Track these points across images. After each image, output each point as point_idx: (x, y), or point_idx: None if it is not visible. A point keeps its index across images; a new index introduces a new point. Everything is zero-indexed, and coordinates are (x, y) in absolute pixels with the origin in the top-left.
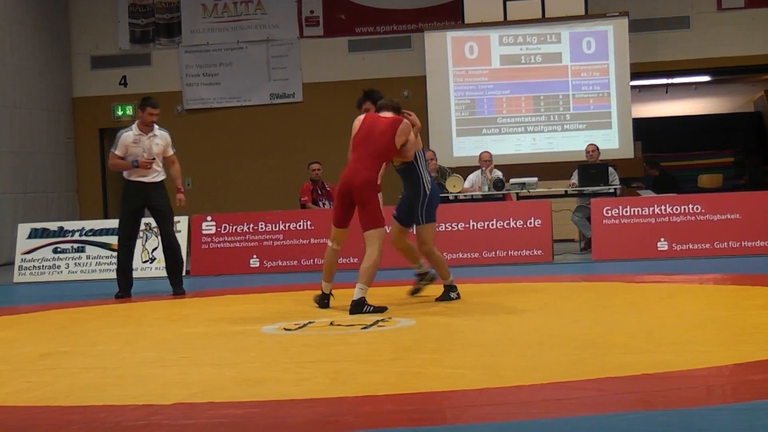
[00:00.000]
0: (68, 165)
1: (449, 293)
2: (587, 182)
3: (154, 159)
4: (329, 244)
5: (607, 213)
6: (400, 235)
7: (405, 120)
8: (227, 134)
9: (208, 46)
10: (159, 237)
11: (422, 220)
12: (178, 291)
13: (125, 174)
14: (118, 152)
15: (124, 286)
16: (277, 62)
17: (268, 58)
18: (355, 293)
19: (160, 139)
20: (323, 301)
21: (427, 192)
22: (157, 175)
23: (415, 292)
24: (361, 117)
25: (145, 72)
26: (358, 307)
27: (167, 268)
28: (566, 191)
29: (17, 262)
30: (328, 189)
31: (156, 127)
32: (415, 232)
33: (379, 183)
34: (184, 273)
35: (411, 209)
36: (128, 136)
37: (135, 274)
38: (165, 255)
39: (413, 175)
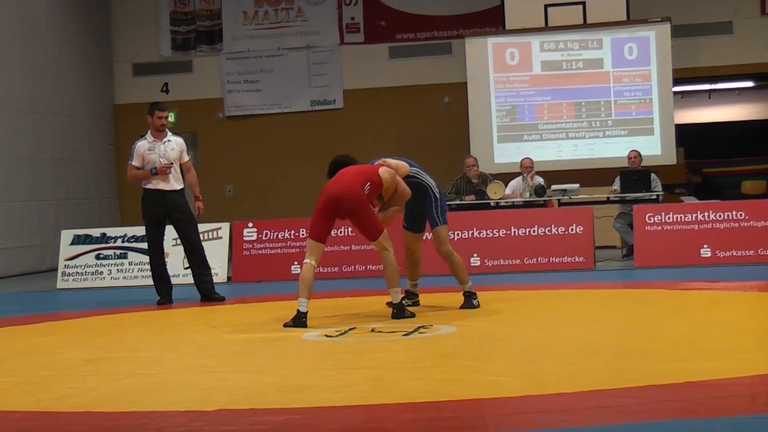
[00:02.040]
0: (110, 172)
1: (471, 300)
2: (629, 189)
3: (171, 164)
4: (309, 261)
5: (650, 219)
6: (414, 243)
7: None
8: (268, 141)
9: (249, 53)
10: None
11: (439, 221)
12: (215, 297)
13: (144, 184)
14: (135, 162)
15: (164, 293)
16: (317, 69)
17: (308, 65)
18: (393, 297)
19: (175, 144)
20: (302, 321)
21: (437, 194)
22: (176, 182)
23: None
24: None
25: (186, 79)
26: (401, 310)
27: (195, 276)
28: (608, 198)
29: (60, 269)
30: None
31: (169, 132)
32: (432, 236)
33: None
34: (225, 279)
35: (417, 215)
36: (143, 144)
37: (177, 281)
38: (191, 263)
39: (414, 185)
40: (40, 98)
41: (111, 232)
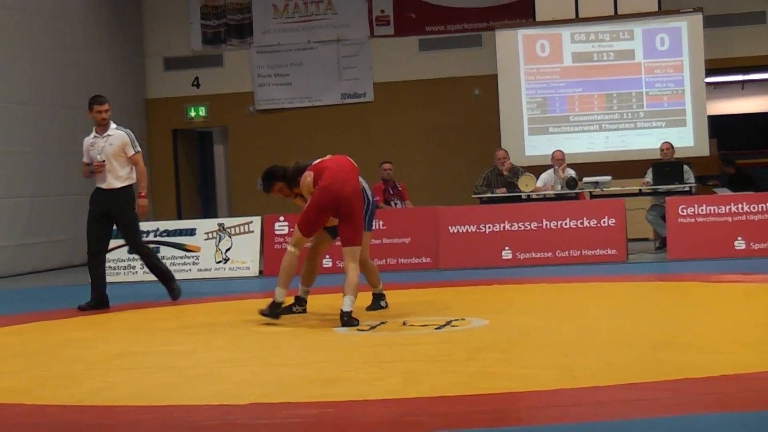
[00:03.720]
0: None
1: (379, 301)
2: (662, 180)
3: (104, 161)
4: (294, 251)
5: (683, 212)
6: (322, 245)
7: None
8: (298, 134)
9: (279, 46)
10: (231, 238)
11: (366, 227)
12: (174, 294)
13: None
14: (84, 159)
15: (93, 296)
16: (347, 62)
17: (338, 58)
18: (346, 305)
19: (115, 138)
20: (276, 312)
21: (371, 200)
22: (115, 180)
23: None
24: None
25: (217, 73)
26: (351, 319)
27: (159, 278)
28: (640, 190)
29: None
30: (400, 188)
31: (113, 126)
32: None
33: None
34: (257, 273)
35: None
36: (87, 140)
37: (208, 275)
38: (148, 267)
39: None
40: (72, 93)
41: (143, 226)
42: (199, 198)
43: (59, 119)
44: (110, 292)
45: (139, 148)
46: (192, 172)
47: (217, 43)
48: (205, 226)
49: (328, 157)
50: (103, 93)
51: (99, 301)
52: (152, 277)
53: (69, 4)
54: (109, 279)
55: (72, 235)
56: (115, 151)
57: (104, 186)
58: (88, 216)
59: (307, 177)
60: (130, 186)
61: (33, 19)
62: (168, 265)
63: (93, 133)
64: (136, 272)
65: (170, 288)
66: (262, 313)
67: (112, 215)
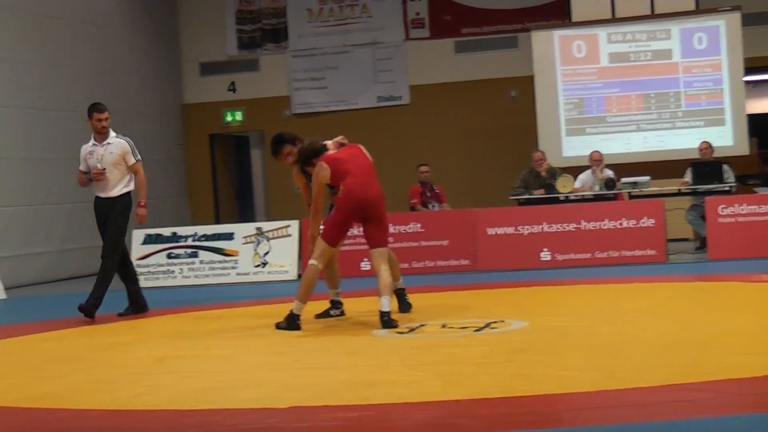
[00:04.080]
0: (179, 171)
1: (331, 310)
2: (701, 180)
3: (104, 169)
4: (317, 264)
5: (722, 211)
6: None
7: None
8: (335, 137)
9: (314, 50)
10: (269, 242)
11: None
12: (132, 309)
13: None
14: (81, 167)
15: (131, 302)
16: (383, 65)
17: (374, 61)
18: (384, 305)
19: (115, 147)
20: (296, 323)
21: None
22: (111, 189)
23: (323, 316)
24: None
25: (253, 77)
26: (391, 320)
27: (131, 299)
28: (679, 190)
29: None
30: (437, 191)
31: (113, 134)
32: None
33: None
34: (295, 276)
35: None
36: (85, 147)
37: (247, 279)
38: (122, 277)
39: None
40: (109, 99)
41: (182, 231)
42: (236, 202)
43: None
44: (150, 297)
45: (139, 157)
46: (229, 176)
47: (252, 48)
48: (243, 230)
49: (334, 143)
50: (141, 99)
51: (137, 305)
52: (192, 281)
53: (106, 12)
54: (148, 284)
55: None
56: (115, 160)
57: (103, 195)
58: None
59: (323, 170)
60: (128, 193)
61: (72, 27)
62: (206, 269)
63: (91, 141)
64: (175, 277)
65: (132, 304)
66: (279, 326)
67: (106, 220)
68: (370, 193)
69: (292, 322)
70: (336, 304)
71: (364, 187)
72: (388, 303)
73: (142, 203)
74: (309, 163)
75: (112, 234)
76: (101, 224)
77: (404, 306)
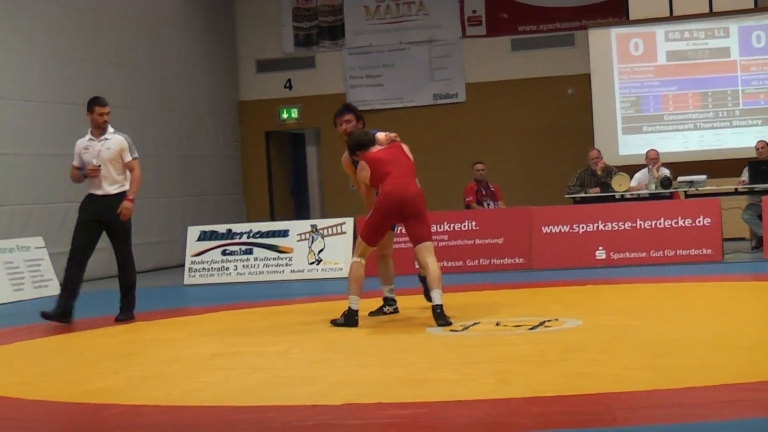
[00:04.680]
0: (235, 168)
1: (385, 307)
2: (758, 179)
3: (99, 166)
4: (360, 260)
5: None
6: (389, 241)
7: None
8: None
9: (370, 47)
10: (323, 239)
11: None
12: (122, 317)
13: (86, 186)
14: (74, 162)
15: (59, 303)
16: (439, 62)
17: (430, 59)
18: (436, 299)
19: (113, 143)
20: (354, 320)
21: None
22: (110, 186)
23: (376, 313)
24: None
25: (309, 75)
26: (443, 313)
27: (120, 288)
28: (736, 189)
29: (187, 264)
30: (493, 189)
31: (111, 130)
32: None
33: None
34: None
35: None
36: (80, 142)
37: (301, 276)
38: (119, 274)
39: None
40: (167, 96)
41: (237, 228)
42: (291, 199)
43: (155, 123)
44: (205, 293)
45: (136, 155)
46: (284, 173)
47: (309, 45)
48: (297, 227)
49: (386, 137)
50: (198, 96)
51: (64, 310)
52: (246, 278)
53: (164, 10)
54: (203, 281)
55: (168, 237)
56: (112, 156)
57: (98, 192)
58: (77, 221)
59: (364, 171)
60: (124, 192)
61: (129, 24)
62: (261, 266)
63: (88, 136)
64: (230, 273)
65: (123, 307)
66: (335, 323)
67: (104, 222)
68: (408, 193)
69: (349, 318)
70: (389, 301)
71: (401, 188)
72: (439, 296)
73: (131, 197)
74: (354, 153)
75: (124, 241)
76: (88, 223)
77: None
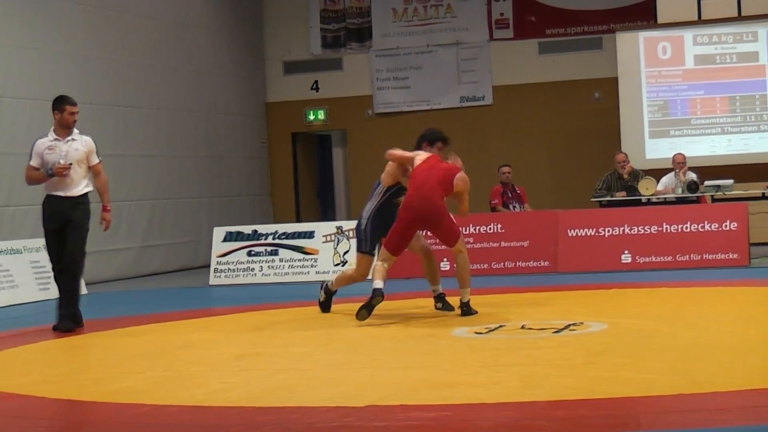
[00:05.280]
0: (262, 169)
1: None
2: None
3: (70, 164)
4: (383, 264)
5: None
6: (416, 243)
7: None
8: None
9: (398, 50)
10: (349, 241)
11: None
12: (61, 326)
13: (45, 188)
14: (33, 162)
15: (60, 316)
16: (466, 65)
17: (457, 61)
18: (463, 296)
19: (81, 144)
20: (379, 294)
21: (362, 222)
22: (76, 187)
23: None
24: (423, 155)
25: (336, 76)
26: (470, 308)
27: (59, 293)
28: (763, 193)
29: (213, 265)
30: (519, 192)
31: (76, 131)
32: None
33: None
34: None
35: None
36: (42, 142)
37: (327, 278)
38: (63, 277)
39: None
40: (194, 97)
41: (262, 229)
42: (318, 201)
43: (182, 124)
44: (230, 294)
45: (101, 158)
46: (311, 175)
47: (336, 47)
48: (323, 228)
49: (425, 153)
50: (225, 97)
51: (74, 318)
52: (271, 279)
53: (192, 11)
54: (228, 281)
55: (194, 238)
56: (80, 157)
57: (63, 193)
58: (45, 234)
59: (410, 170)
60: (88, 194)
61: (158, 25)
62: (287, 267)
63: (52, 136)
64: (255, 274)
65: (60, 316)
66: (362, 310)
67: (65, 222)
68: (425, 207)
69: (375, 294)
70: (438, 298)
71: (420, 201)
72: (466, 293)
73: (108, 207)
74: (419, 146)
75: (81, 243)
76: (56, 225)
77: (447, 306)
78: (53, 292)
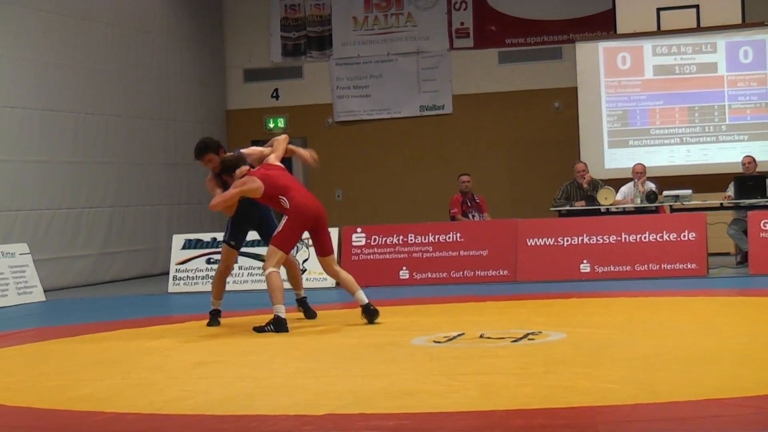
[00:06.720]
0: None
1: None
2: (744, 195)
3: None
4: (277, 270)
5: (765, 226)
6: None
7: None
8: (377, 146)
9: (358, 58)
10: (308, 249)
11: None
12: None
13: None
14: None
15: None
16: (427, 74)
17: (418, 70)
18: (363, 299)
19: None
20: (284, 326)
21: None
22: None
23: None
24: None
25: (296, 84)
26: (375, 312)
27: None
28: (722, 204)
29: (172, 272)
30: (478, 201)
31: None
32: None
33: None
34: (334, 284)
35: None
36: None
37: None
38: None
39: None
40: (154, 104)
41: (222, 236)
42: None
43: (142, 131)
44: (189, 302)
45: None
46: None
47: (296, 55)
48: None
49: (263, 159)
50: (185, 104)
51: None
52: (231, 287)
53: (153, 18)
54: (187, 289)
55: (153, 245)
56: None
57: None
58: None
59: (254, 182)
60: None
61: (118, 33)
62: (245, 275)
63: None
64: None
65: None
66: (263, 329)
67: None
68: (319, 205)
69: (280, 326)
70: (301, 302)
71: (311, 201)
72: (363, 295)
73: None
74: (231, 173)
75: None
76: None
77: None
78: (11, 299)
